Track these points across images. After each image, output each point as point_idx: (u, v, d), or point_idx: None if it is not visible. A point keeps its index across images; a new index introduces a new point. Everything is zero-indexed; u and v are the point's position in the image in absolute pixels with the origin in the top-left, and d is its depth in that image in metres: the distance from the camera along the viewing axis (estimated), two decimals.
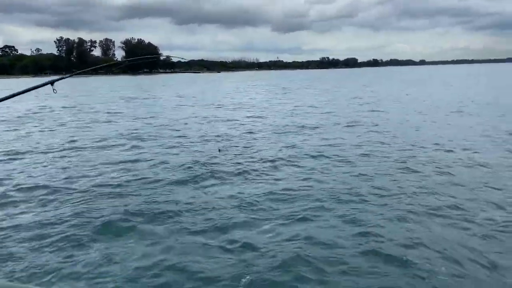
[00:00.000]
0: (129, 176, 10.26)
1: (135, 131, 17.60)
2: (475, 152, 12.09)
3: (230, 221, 7.16)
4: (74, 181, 9.88)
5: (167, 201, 8.29)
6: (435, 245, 6.04)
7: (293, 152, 12.70)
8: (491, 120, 18.49)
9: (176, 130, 17.80)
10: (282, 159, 11.81)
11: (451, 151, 12.37)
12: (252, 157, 12.09)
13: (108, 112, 26.29)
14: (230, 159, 11.85)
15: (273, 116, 22.61)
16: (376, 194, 8.41)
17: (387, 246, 6.02)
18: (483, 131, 15.72)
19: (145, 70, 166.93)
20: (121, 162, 11.83)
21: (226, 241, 6.35)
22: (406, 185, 9.05)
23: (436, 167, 10.53)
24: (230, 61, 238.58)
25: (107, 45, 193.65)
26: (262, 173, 10.32)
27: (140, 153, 13.12)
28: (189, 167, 10.97)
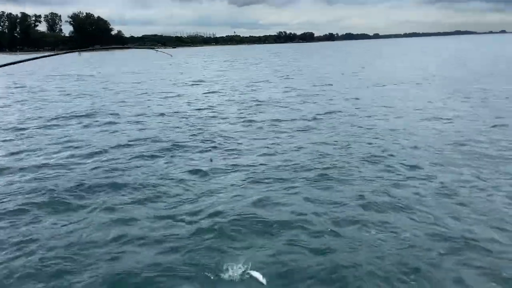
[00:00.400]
0: (84, 153, 10.01)
1: (89, 109, 17.02)
2: (428, 120, 12.79)
3: (190, 193, 7.25)
4: (26, 159, 9.52)
5: (126, 176, 8.21)
6: (394, 207, 6.43)
7: (252, 127, 12.85)
8: (445, 92, 19.47)
9: (132, 107, 17.39)
10: (241, 135, 11.93)
11: (406, 120, 13.00)
12: (211, 133, 12.10)
13: (60, 90, 25.15)
14: (190, 136, 11.81)
15: (231, 91, 22.56)
16: (334, 166, 8.74)
17: (343, 219, 6.31)
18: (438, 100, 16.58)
19: (96, 46, 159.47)
20: (74, 140, 11.48)
21: (186, 211, 6.43)
22: (362, 154, 9.45)
23: (392, 135, 11.04)
24: (186, 36, 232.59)
25: (53, 20, 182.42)
26: (223, 148, 10.39)
27: (96, 131, 12.77)
28: (148, 144, 10.85)
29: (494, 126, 11.75)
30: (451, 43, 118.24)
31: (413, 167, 8.37)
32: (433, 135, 10.98)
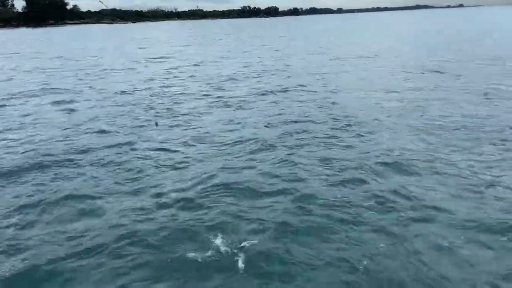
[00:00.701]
0: (42, 132, 9.70)
1: (46, 87, 16.32)
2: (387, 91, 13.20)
3: (156, 168, 7.23)
4: None
5: (87, 154, 8.05)
6: (358, 177, 6.69)
7: (218, 103, 12.81)
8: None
9: (91, 84, 16.83)
10: (207, 111, 11.88)
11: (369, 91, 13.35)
12: (176, 109, 11.99)
13: (14, 69, 23.86)
14: (154, 113, 11.64)
15: (195, 66, 22.20)
16: (299, 141, 8.93)
17: (309, 192, 6.44)
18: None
19: (50, 22, 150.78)
20: (32, 119, 11.07)
21: (151, 186, 6.43)
22: (325, 127, 9.68)
23: (354, 107, 11.33)
24: (146, 10, 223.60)
25: None
26: (189, 124, 10.34)
27: (55, 109, 12.33)
28: (109, 121, 10.63)
29: (447, 99, 12.29)
30: (411, 18, 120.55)
31: (374, 139, 8.67)
32: (393, 107, 11.35)
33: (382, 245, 4.84)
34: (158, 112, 11.66)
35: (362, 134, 9.00)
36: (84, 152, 8.37)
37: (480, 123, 9.48)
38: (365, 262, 4.53)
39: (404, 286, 4.19)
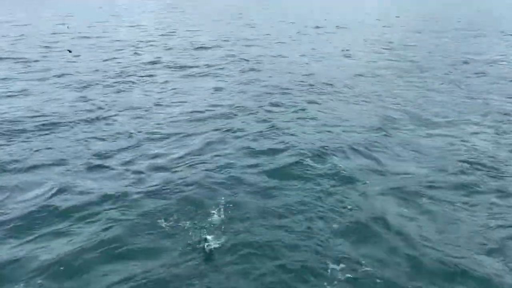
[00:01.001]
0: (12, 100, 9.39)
1: (10, 55, 15.60)
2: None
3: (123, 136, 7.17)
4: None
5: (54, 119, 7.90)
6: (330, 148, 6.80)
7: (194, 71, 12.63)
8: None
9: (60, 55, 16.18)
10: (183, 80, 11.71)
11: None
12: (147, 77, 11.75)
13: None
14: (131, 83, 11.37)
15: (169, 34, 21.59)
16: (274, 119, 8.95)
17: (284, 165, 6.40)
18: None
19: None
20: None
21: (124, 151, 6.39)
22: (298, 93, 9.71)
23: (329, 81, 11.39)
24: None
25: None
26: (159, 92, 10.21)
27: (21, 78, 11.86)
28: (79, 91, 10.36)
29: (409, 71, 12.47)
30: None
31: (348, 109, 8.81)
32: (368, 77, 11.49)
33: (350, 211, 5.01)
34: (133, 82, 11.38)
35: (335, 105, 9.09)
36: (53, 122, 8.17)
37: (451, 92, 9.74)
38: (334, 234, 4.62)
39: (373, 252, 4.35)
